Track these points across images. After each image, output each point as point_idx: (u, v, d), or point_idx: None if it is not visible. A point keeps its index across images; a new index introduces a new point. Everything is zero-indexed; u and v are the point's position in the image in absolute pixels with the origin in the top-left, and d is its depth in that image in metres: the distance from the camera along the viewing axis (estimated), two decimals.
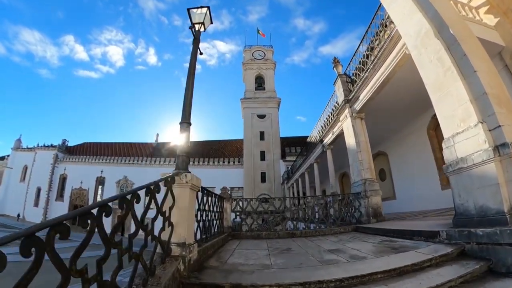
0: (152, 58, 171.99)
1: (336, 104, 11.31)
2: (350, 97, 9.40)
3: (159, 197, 2.83)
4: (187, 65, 4.39)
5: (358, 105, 9.10)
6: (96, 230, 1.84)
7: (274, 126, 39.07)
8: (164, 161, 41.64)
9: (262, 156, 37.75)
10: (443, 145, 4.67)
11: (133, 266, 2.29)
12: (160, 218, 2.75)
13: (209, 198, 5.26)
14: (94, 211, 1.85)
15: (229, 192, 7.26)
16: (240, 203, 7.85)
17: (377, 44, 7.84)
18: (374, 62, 7.62)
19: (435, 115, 10.88)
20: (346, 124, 9.91)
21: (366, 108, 9.13)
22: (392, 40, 6.78)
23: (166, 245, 2.86)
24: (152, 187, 2.50)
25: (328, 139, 12.81)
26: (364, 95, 8.60)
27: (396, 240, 5.08)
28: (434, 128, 11.08)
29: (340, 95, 10.41)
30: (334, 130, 11.64)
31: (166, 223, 2.87)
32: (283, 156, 38.09)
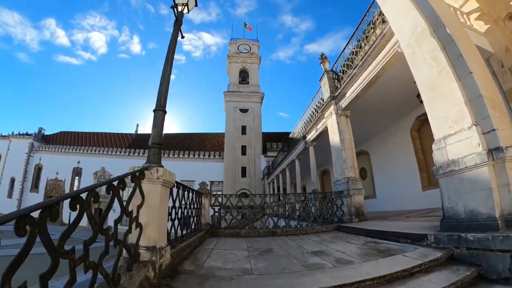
0: (136, 46, 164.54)
1: (321, 101, 11.13)
2: (336, 94, 9.21)
3: (128, 195, 2.44)
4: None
5: (344, 102, 8.93)
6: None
7: (256, 120, 38.77)
8: (143, 153, 40.45)
9: (243, 150, 37.43)
10: (434, 146, 4.52)
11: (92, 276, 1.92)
12: (126, 219, 2.36)
13: (186, 194, 4.87)
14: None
15: (207, 187, 6.88)
16: (219, 198, 7.50)
17: (366, 42, 7.67)
18: (364, 59, 7.43)
19: (419, 116, 11.01)
20: (330, 121, 9.74)
21: (352, 106, 8.99)
22: (384, 37, 6.59)
23: (133, 249, 2.47)
24: (115, 183, 2.09)
25: (311, 136, 12.65)
26: (351, 93, 8.42)
27: (381, 242, 4.92)
28: (417, 130, 11.18)
29: (325, 92, 10.21)
30: (318, 126, 11.47)
31: (134, 224, 2.47)
32: (264, 151, 37.94)
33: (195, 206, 6.01)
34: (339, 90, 9.02)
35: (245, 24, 43.60)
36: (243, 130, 38.01)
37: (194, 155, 40.70)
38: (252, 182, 36.33)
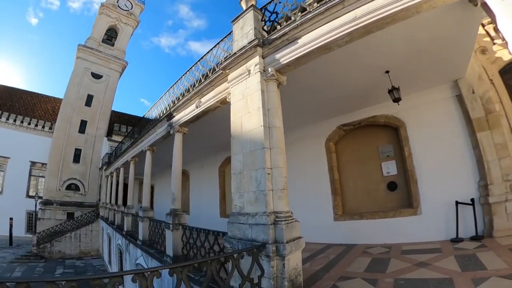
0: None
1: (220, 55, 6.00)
2: (274, 37, 4.26)
3: None
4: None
5: (288, 55, 4.04)
6: None
7: (108, 93, 28.64)
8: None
9: (83, 127, 26.62)
10: None
11: None
12: None
13: None
14: None
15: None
16: None
17: None
18: None
19: (343, 125, 6.46)
20: (243, 87, 4.62)
21: (292, 69, 4.29)
22: None
23: None
24: None
25: (184, 115, 6.89)
26: (321, 35, 3.65)
27: None
28: (336, 142, 7.79)
29: (242, 37, 5.11)
30: (205, 99, 5.96)
31: None
32: (109, 133, 28.30)
33: None
34: (285, 30, 4.11)
35: None
36: (89, 100, 27.29)
37: (15, 121, 25.25)
38: (86, 171, 25.98)
